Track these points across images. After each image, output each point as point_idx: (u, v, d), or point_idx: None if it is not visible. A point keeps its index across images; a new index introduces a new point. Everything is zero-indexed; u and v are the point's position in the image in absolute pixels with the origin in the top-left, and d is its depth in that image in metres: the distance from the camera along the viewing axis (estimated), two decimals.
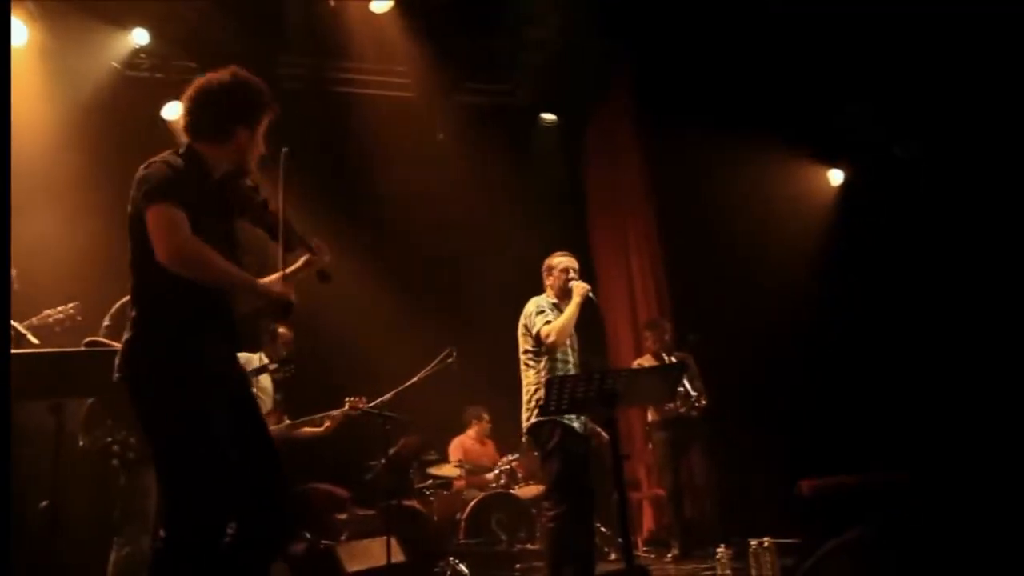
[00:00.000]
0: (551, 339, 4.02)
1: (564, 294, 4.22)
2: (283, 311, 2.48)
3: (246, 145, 2.52)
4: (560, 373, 4.04)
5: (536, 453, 4.39)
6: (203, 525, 2.28)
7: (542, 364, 4.10)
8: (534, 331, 4.10)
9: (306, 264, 2.60)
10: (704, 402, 5.79)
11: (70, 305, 3.76)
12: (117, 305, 3.95)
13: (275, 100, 2.60)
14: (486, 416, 6.80)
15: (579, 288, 4.12)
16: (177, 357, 2.34)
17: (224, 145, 2.49)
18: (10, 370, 2.52)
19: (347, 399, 5.10)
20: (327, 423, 5.11)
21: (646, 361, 6.20)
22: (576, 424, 4.04)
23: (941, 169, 6.55)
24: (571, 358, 4.21)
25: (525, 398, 4.15)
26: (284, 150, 2.55)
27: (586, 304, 4.11)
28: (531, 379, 4.12)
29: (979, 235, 6.18)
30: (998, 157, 6.02)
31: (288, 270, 2.52)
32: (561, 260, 4.35)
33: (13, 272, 3.33)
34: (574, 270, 4.30)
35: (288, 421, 5.08)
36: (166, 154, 2.46)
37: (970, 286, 6.12)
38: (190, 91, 2.52)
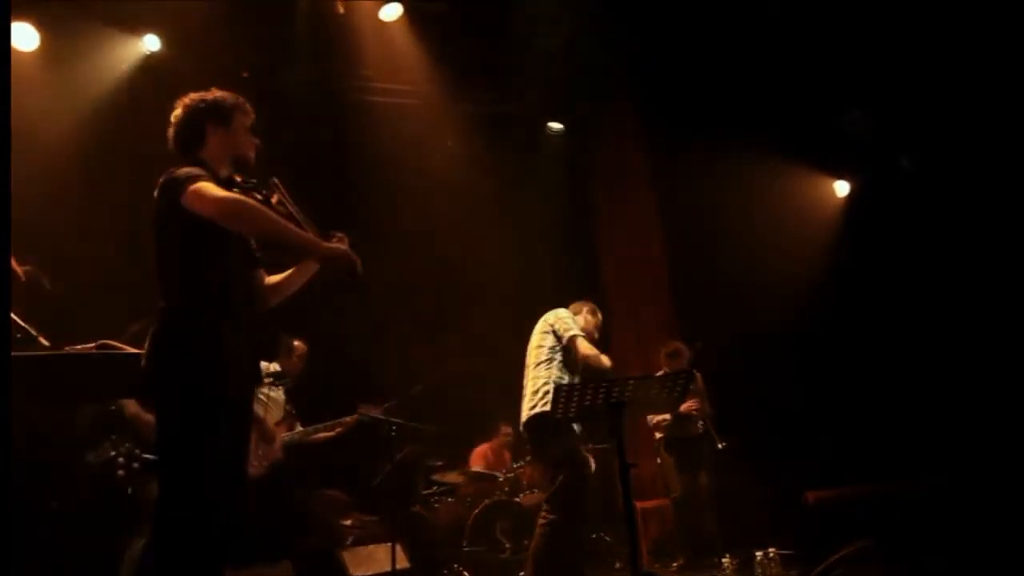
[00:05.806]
0: (587, 358, 4.00)
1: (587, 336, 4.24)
2: (348, 268, 2.45)
3: (225, 140, 2.66)
4: (568, 373, 4.06)
5: (536, 447, 4.21)
6: (194, 520, 2.30)
7: (560, 362, 4.07)
8: (567, 335, 4.07)
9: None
10: (721, 446, 5.72)
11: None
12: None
13: (250, 104, 2.74)
14: (505, 429, 6.78)
15: (605, 360, 4.10)
16: (199, 341, 2.41)
17: (205, 145, 2.64)
18: (10, 370, 2.54)
19: (359, 405, 5.13)
20: (338, 428, 5.13)
21: None
22: (576, 428, 4.01)
23: (948, 179, 6.54)
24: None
25: (532, 389, 4.07)
26: (272, 179, 2.65)
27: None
28: (544, 374, 4.06)
29: (987, 243, 6.16)
30: (1005, 166, 6.01)
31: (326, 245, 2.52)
32: (599, 317, 4.48)
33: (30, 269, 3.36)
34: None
35: (301, 428, 5.11)
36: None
37: (978, 294, 6.11)
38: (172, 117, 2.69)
